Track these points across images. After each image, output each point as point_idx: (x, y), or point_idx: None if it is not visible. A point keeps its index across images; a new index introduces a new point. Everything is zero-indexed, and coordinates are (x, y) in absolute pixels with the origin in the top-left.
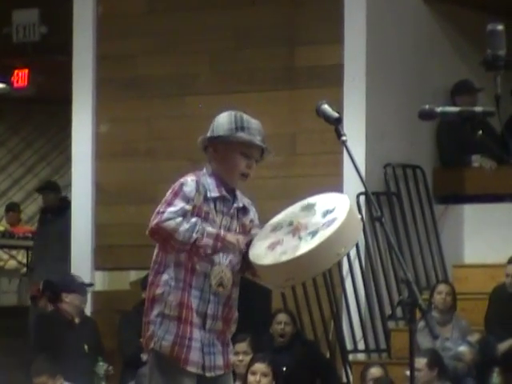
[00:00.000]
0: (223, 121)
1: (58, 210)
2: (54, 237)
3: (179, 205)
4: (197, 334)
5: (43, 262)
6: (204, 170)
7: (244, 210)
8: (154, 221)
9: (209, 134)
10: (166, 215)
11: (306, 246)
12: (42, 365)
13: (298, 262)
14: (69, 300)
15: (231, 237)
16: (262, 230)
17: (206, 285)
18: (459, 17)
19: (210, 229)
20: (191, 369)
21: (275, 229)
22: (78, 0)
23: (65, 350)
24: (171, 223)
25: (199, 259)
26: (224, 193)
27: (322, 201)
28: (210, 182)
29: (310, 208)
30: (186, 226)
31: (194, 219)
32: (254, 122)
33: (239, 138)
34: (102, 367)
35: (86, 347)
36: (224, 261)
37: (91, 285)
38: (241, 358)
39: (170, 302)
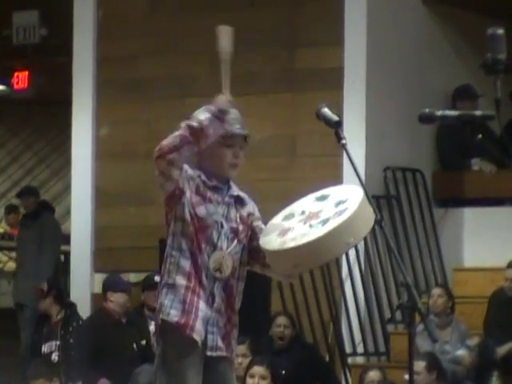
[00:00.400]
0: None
1: (36, 214)
2: (33, 241)
3: None
4: (203, 306)
5: (24, 267)
6: (194, 163)
7: (241, 201)
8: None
9: None
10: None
11: (315, 232)
12: (39, 368)
13: (307, 248)
14: (114, 299)
15: (217, 97)
16: (273, 219)
17: (210, 266)
18: (460, 19)
19: (197, 111)
20: (196, 336)
21: (287, 217)
22: (78, 1)
23: (114, 350)
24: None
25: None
26: (215, 182)
27: (336, 192)
28: (200, 173)
29: (323, 198)
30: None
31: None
32: (230, 112)
33: None
34: None
35: (134, 346)
36: (225, 248)
37: (136, 284)
38: (240, 360)
39: (176, 269)
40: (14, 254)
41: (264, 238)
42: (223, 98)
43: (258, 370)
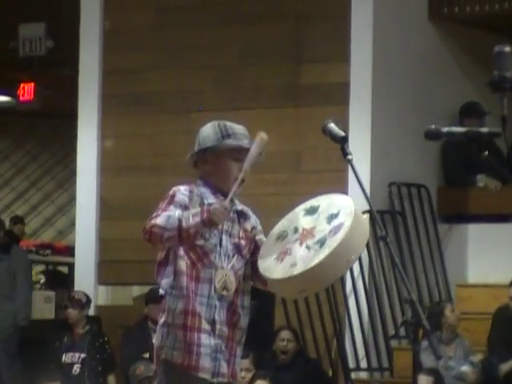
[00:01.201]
0: (208, 132)
1: (4, 246)
2: (3, 275)
3: (171, 210)
4: (206, 340)
5: None
6: (197, 182)
7: (244, 215)
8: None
9: (197, 148)
10: (155, 218)
11: (315, 256)
12: (54, 375)
13: (310, 274)
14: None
15: (216, 205)
16: (266, 238)
17: (212, 291)
18: (466, 36)
19: (193, 209)
20: (203, 374)
21: (281, 237)
22: (85, 14)
23: None
24: (157, 219)
25: (199, 260)
26: (221, 198)
27: (325, 203)
28: (204, 191)
29: (313, 211)
30: (169, 214)
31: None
32: (238, 127)
33: (228, 145)
34: None
35: None
36: (226, 265)
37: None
38: (243, 374)
39: (173, 310)
40: None
41: (263, 264)
42: (221, 209)
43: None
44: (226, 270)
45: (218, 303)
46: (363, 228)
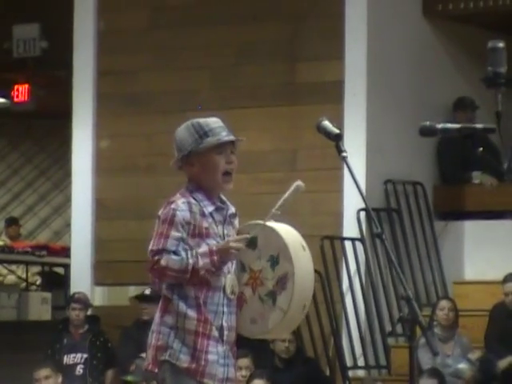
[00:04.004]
0: (184, 135)
1: None
2: None
3: (174, 236)
4: (214, 347)
5: None
6: (189, 188)
7: (235, 215)
8: (150, 263)
9: (179, 155)
10: (163, 253)
11: (271, 315)
12: (46, 362)
13: (270, 332)
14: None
15: (222, 245)
16: None
17: (221, 298)
18: (460, 33)
19: (201, 249)
20: (208, 381)
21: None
22: (79, 15)
23: None
24: (164, 261)
25: (211, 276)
26: (218, 203)
27: (262, 236)
28: (201, 198)
29: (253, 244)
30: (179, 257)
31: (183, 253)
32: (212, 121)
33: (209, 144)
34: None
35: None
36: (232, 269)
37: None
38: (244, 373)
39: (183, 314)
40: (14, 267)
41: None
42: (231, 249)
43: (258, 383)
44: (232, 274)
45: (226, 309)
46: (307, 270)
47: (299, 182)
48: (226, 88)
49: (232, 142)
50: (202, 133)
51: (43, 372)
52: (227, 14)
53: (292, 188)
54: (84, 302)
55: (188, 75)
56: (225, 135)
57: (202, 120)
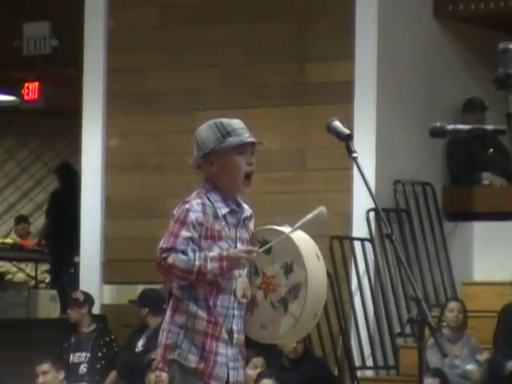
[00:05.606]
0: (207, 134)
1: None
2: None
3: (184, 236)
4: (223, 349)
5: None
6: (206, 187)
7: (250, 218)
8: (157, 259)
9: (199, 153)
10: (171, 251)
11: (282, 322)
12: (46, 357)
13: (280, 339)
14: None
15: (233, 253)
16: None
17: (231, 301)
18: (470, 34)
19: (211, 253)
20: (215, 383)
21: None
22: (89, 13)
23: None
24: (171, 259)
25: (221, 279)
26: (232, 206)
27: (276, 242)
28: (216, 199)
29: (267, 250)
30: (187, 257)
31: (191, 254)
32: (235, 122)
33: (231, 144)
34: None
35: None
36: (243, 272)
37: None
38: (258, 371)
39: (194, 315)
40: (23, 265)
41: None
42: (242, 259)
43: (266, 383)
44: (243, 277)
45: (236, 312)
46: (320, 280)
47: (323, 208)
48: (234, 87)
49: (252, 144)
50: (225, 132)
51: (42, 367)
52: (237, 13)
53: (315, 212)
54: (76, 301)
55: (197, 74)
56: (247, 136)
57: (224, 120)
